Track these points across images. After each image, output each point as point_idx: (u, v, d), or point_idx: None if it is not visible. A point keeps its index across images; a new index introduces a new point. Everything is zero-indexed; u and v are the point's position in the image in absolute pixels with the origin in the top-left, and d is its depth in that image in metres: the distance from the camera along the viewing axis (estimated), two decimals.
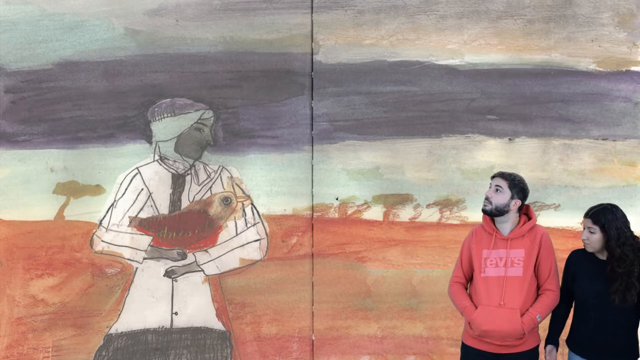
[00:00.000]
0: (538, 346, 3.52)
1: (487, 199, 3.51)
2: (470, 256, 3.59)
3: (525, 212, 3.56)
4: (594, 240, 3.32)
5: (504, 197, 3.47)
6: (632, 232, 3.30)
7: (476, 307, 3.48)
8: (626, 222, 3.30)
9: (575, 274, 3.44)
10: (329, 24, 4.58)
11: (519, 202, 3.48)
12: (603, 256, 3.36)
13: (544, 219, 4.51)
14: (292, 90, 4.58)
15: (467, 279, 3.62)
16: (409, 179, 4.59)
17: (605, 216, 3.28)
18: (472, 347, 3.52)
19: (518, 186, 3.49)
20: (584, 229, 3.36)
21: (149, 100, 4.55)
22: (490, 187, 3.52)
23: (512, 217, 3.50)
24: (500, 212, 3.48)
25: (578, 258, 3.46)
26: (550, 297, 3.43)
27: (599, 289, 3.32)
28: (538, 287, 3.49)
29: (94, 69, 4.54)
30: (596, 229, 3.30)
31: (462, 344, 3.62)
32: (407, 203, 4.58)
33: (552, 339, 3.53)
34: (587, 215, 3.36)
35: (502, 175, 3.53)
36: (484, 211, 3.53)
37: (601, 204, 3.38)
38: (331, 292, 4.55)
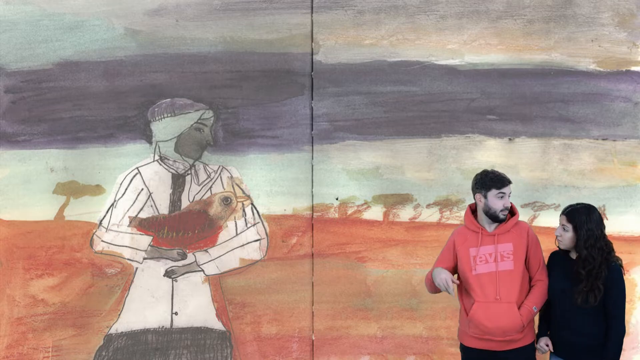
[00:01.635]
0: (534, 342, 3.54)
1: (505, 209, 3.57)
2: (452, 257, 3.61)
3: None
4: (566, 238, 3.39)
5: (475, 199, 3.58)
6: (604, 236, 3.35)
7: (470, 305, 3.51)
8: (600, 225, 3.35)
9: (550, 273, 3.50)
10: (329, 24, 4.58)
11: (479, 194, 3.53)
12: (574, 255, 3.41)
13: (544, 219, 4.51)
14: (292, 90, 4.58)
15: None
16: (409, 179, 4.59)
17: (579, 216, 3.34)
18: (472, 348, 3.53)
19: (472, 184, 3.59)
20: (559, 225, 3.42)
21: (149, 100, 4.55)
22: None
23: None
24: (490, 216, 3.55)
25: (554, 258, 3.54)
26: (543, 287, 3.48)
27: (562, 286, 3.39)
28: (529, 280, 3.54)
29: (94, 69, 4.54)
30: (569, 227, 3.36)
31: (461, 345, 3.62)
32: (407, 203, 4.58)
33: (541, 333, 3.57)
34: (563, 213, 3.43)
35: (510, 182, 3.59)
36: (502, 221, 3.57)
37: (579, 204, 3.45)
38: (331, 292, 4.55)
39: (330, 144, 4.58)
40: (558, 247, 3.51)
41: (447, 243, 3.68)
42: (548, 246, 3.61)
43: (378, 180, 4.58)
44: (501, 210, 3.49)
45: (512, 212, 3.59)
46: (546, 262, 3.57)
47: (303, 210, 4.56)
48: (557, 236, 3.43)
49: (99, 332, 4.47)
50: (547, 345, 3.46)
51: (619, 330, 3.30)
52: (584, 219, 3.33)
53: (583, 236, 3.31)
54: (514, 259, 3.46)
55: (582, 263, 3.31)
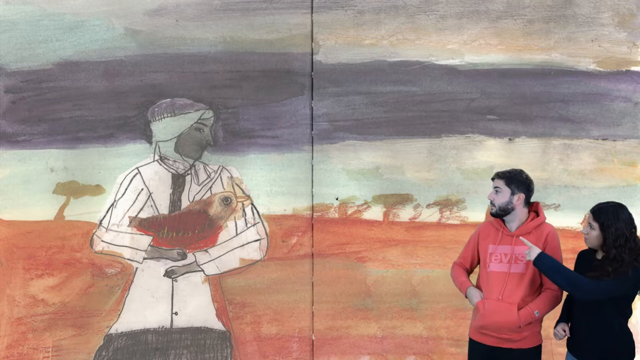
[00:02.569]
0: (540, 347, 3.50)
1: (491, 202, 3.54)
2: (475, 247, 3.62)
3: (535, 210, 3.56)
4: (592, 236, 3.31)
5: (504, 195, 3.49)
6: (635, 237, 3.25)
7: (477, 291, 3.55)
8: (629, 225, 3.25)
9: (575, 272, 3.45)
10: (329, 24, 4.58)
11: (522, 196, 3.48)
12: (600, 256, 3.34)
13: None
14: (292, 90, 4.58)
15: (470, 264, 3.66)
16: (409, 179, 4.59)
17: (607, 215, 3.25)
18: (475, 341, 3.56)
19: (516, 180, 3.50)
20: (587, 223, 3.34)
21: (149, 100, 4.55)
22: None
23: (519, 214, 3.51)
24: (505, 211, 3.50)
25: (581, 258, 3.47)
26: (550, 296, 3.42)
27: None
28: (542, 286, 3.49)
29: (94, 69, 4.54)
30: (596, 225, 3.28)
31: (469, 338, 3.65)
32: (407, 203, 4.58)
33: (561, 320, 3.50)
34: (590, 210, 3.34)
35: (497, 175, 3.57)
36: (492, 215, 3.56)
37: (610, 202, 3.35)
38: (331, 292, 4.55)
39: (330, 144, 4.58)
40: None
41: (472, 235, 3.69)
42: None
43: (378, 180, 4.58)
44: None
45: (538, 214, 3.55)
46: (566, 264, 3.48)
47: (303, 210, 4.56)
48: (583, 234, 3.35)
49: (99, 332, 4.47)
50: (565, 331, 3.39)
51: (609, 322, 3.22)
52: (611, 217, 3.23)
53: (612, 235, 3.20)
54: (527, 262, 3.42)
55: (610, 262, 3.20)
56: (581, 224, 4.47)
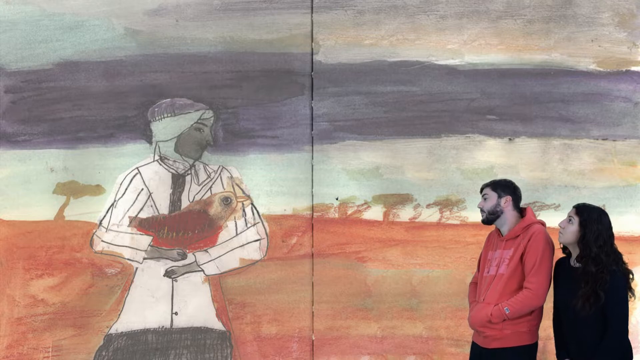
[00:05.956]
0: (528, 347, 3.43)
1: (480, 210, 3.57)
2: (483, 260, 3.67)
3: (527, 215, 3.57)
4: (569, 231, 3.26)
5: (491, 200, 3.52)
6: (612, 243, 3.23)
7: None
8: (608, 230, 3.23)
9: (554, 284, 3.42)
10: (329, 24, 4.59)
11: (509, 198, 3.50)
12: (574, 261, 3.30)
13: (544, 219, 4.45)
14: (292, 90, 4.58)
15: None
16: (409, 179, 4.59)
17: (590, 214, 3.23)
18: (472, 341, 3.61)
19: (501, 185, 3.54)
20: (568, 217, 3.31)
21: (149, 100, 4.55)
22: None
23: (509, 217, 3.51)
24: (494, 214, 3.52)
25: (558, 268, 3.42)
26: (524, 294, 3.36)
27: (564, 297, 3.29)
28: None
29: (94, 69, 4.54)
30: (576, 220, 3.24)
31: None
32: (407, 203, 4.58)
33: (559, 352, 3.43)
34: (575, 206, 3.32)
35: (485, 184, 3.62)
36: (483, 222, 3.59)
37: (595, 205, 3.33)
38: (331, 292, 4.55)
39: (330, 144, 4.58)
40: (562, 248, 3.45)
41: (482, 251, 3.73)
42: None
43: (378, 180, 4.58)
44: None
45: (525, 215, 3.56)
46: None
47: (303, 210, 4.56)
48: (560, 228, 3.31)
49: (99, 332, 4.47)
50: None
51: (613, 334, 3.12)
52: (594, 217, 3.21)
53: (592, 234, 3.18)
54: (508, 263, 3.43)
55: (592, 260, 3.16)
56: None
